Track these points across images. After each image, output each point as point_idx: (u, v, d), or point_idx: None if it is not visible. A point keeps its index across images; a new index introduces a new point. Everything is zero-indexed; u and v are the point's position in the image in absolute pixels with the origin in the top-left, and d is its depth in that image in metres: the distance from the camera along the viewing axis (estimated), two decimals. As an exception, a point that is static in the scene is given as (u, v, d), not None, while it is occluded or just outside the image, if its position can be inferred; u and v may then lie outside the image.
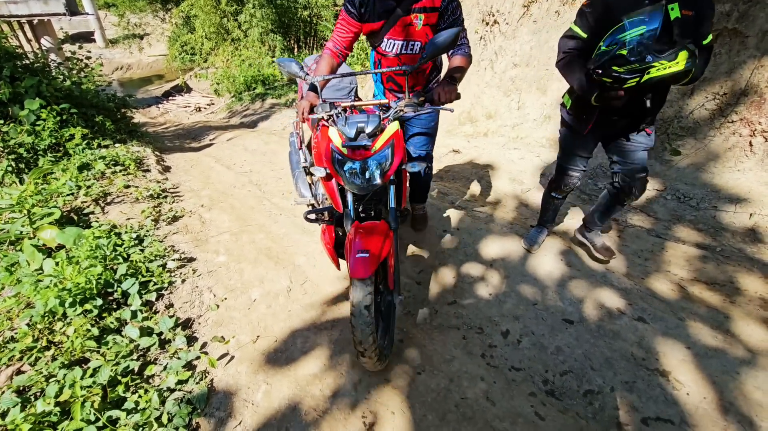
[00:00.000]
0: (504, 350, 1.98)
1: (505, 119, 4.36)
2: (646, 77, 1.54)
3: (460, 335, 2.07)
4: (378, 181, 1.61)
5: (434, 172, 4.16)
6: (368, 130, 1.56)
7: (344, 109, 1.76)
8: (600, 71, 1.63)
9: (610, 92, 1.68)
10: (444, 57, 2.00)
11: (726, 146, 2.94)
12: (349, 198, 1.70)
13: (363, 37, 2.67)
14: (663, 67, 1.50)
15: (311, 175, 2.55)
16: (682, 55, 1.49)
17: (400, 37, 1.98)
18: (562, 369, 1.87)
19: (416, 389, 1.75)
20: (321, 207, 2.15)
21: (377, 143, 1.60)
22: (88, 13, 20.11)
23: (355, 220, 1.67)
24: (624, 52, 1.53)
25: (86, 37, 21.22)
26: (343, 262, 1.80)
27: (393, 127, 1.68)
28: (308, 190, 2.47)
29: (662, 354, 1.86)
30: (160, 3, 19.11)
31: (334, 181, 1.77)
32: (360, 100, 1.86)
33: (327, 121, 1.75)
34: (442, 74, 2.01)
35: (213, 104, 15.02)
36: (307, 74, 1.75)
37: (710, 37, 1.69)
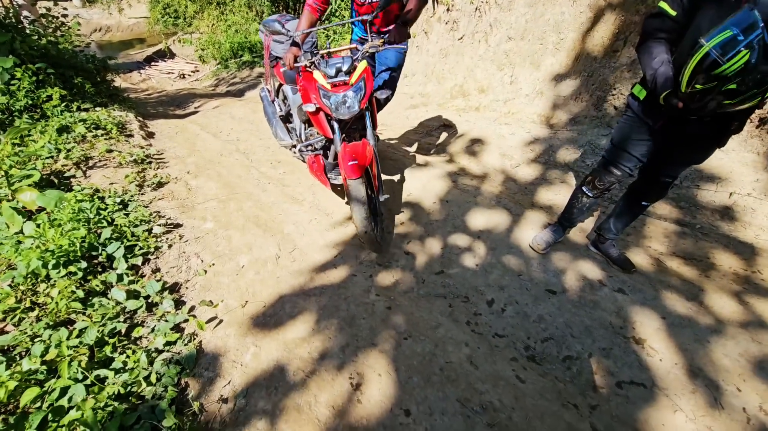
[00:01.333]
0: (488, 318, 2.04)
1: (498, 94, 4.32)
2: None
3: (447, 303, 2.12)
4: (356, 107, 2.07)
5: (425, 144, 4.15)
6: (344, 68, 2.07)
7: (322, 56, 2.16)
8: (705, 109, 1.35)
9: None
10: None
11: (712, 126, 2.98)
12: (335, 125, 2.15)
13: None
14: None
15: (288, 122, 2.97)
16: None
17: None
18: (544, 336, 1.93)
19: (402, 353, 1.80)
20: (305, 143, 2.57)
21: (353, 78, 2.06)
22: (62, -31, 18.90)
23: (342, 143, 2.13)
24: (733, 86, 1.23)
25: (62, -5, 20.04)
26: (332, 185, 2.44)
27: (362, 65, 2.13)
28: (286, 134, 2.84)
29: (639, 323, 1.94)
30: (140, -40, 18.08)
31: (321, 113, 2.19)
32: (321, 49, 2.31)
33: (309, 67, 2.16)
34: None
35: (198, 71, 14.46)
36: (289, 31, 2.22)
37: None
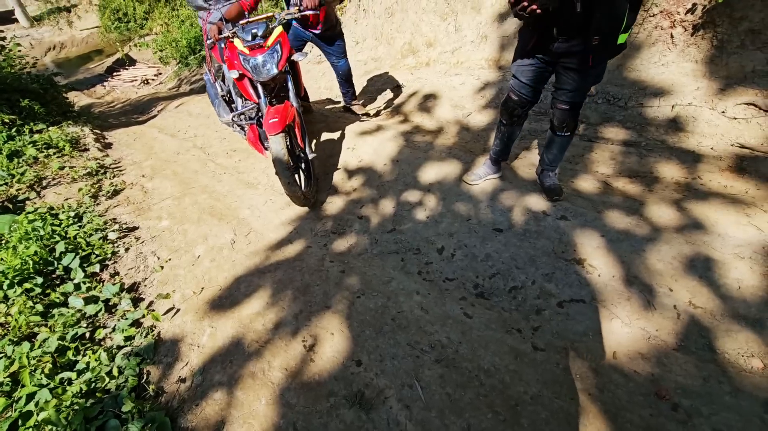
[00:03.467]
0: (439, 265, 2.10)
1: (445, 45, 4.25)
2: None
3: (399, 258, 2.18)
4: (275, 69, 2.24)
5: (377, 109, 4.12)
6: (260, 33, 2.26)
7: (242, 27, 2.32)
8: None
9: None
10: None
11: (650, 42, 2.95)
12: (260, 90, 2.35)
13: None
14: None
15: (230, 102, 3.10)
16: None
17: None
18: (491, 272, 2.00)
19: (355, 310, 1.87)
20: (243, 119, 2.70)
21: (268, 42, 2.26)
22: (0, -10, 18.12)
23: (267, 105, 2.33)
24: None
25: (7, 18, 19.25)
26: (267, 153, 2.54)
27: (278, 30, 2.34)
28: (227, 112, 2.97)
29: (579, 245, 2.00)
30: (79, -33, 17.32)
31: (246, 79, 2.39)
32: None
33: (232, 37, 2.33)
34: None
35: (160, 74, 14.10)
36: (211, 5, 2.51)
37: None
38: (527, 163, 2.76)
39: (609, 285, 1.80)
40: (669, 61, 2.90)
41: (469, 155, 2.87)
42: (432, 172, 2.72)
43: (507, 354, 1.61)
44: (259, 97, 2.37)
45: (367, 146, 3.14)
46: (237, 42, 2.28)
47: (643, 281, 1.78)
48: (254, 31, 2.25)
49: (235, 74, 2.33)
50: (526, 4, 1.53)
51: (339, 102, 4.52)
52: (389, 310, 1.86)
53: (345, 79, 3.52)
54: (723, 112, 2.56)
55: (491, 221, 2.26)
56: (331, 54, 3.31)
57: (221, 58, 2.81)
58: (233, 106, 3.03)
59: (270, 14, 2.37)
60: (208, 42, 2.49)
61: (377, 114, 4.04)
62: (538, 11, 1.54)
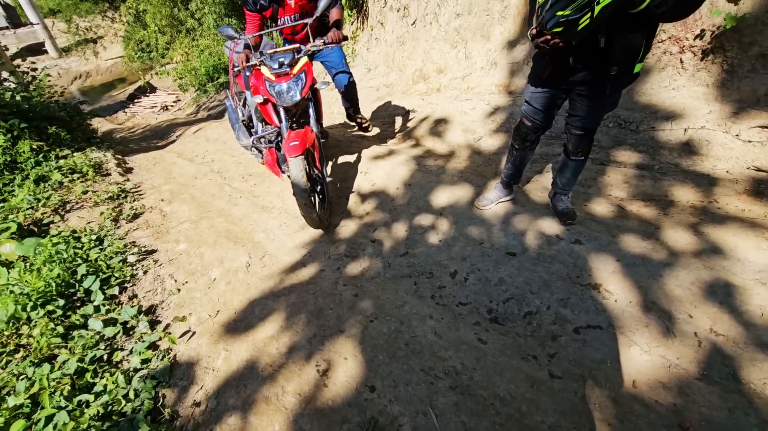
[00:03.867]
0: (452, 289, 2.10)
1: (455, 71, 4.35)
2: (598, 9, 1.33)
3: (412, 282, 2.18)
4: (298, 96, 2.38)
5: (389, 133, 4.20)
6: (286, 61, 2.39)
7: (269, 55, 2.47)
8: (547, 26, 1.48)
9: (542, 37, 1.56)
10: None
11: (660, 66, 2.98)
12: (282, 115, 2.46)
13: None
14: None
15: (250, 127, 3.20)
16: None
17: (288, 14, 2.92)
18: (505, 297, 1.99)
19: (368, 335, 1.87)
20: (263, 142, 2.79)
21: (294, 70, 2.40)
22: (33, 23, 19.21)
23: (288, 130, 2.43)
24: None
25: (37, 49, 20.34)
26: (284, 177, 2.61)
27: (303, 60, 2.48)
28: (247, 136, 3.10)
29: (594, 270, 1.98)
30: (107, 2, 18.33)
31: (269, 104, 2.52)
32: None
33: (259, 66, 2.47)
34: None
35: (179, 101, 14.65)
36: (241, 35, 2.58)
37: None
38: (539, 186, 2.77)
39: (626, 311, 1.77)
40: (680, 85, 2.91)
41: (481, 179, 2.89)
42: (444, 196, 2.75)
43: (523, 381, 1.58)
44: (281, 121, 2.48)
45: (379, 170, 3.19)
46: (264, 69, 2.41)
47: (662, 307, 1.75)
48: (281, 59, 2.38)
49: (259, 99, 2.46)
50: (549, 37, 1.54)
51: (354, 127, 4.62)
52: (402, 335, 1.86)
53: (344, 95, 3.53)
54: (737, 135, 2.55)
55: (504, 245, 2.26)
56: (330, 67, 3.37)
57: (245, 85, 2.92)
58: (252, 130, 3.12)
59: (296, 46, 2.51)
60: (235, 69, 2.60)
61: (391, 137, 4.11)
62: (561, 44, 1.55)
